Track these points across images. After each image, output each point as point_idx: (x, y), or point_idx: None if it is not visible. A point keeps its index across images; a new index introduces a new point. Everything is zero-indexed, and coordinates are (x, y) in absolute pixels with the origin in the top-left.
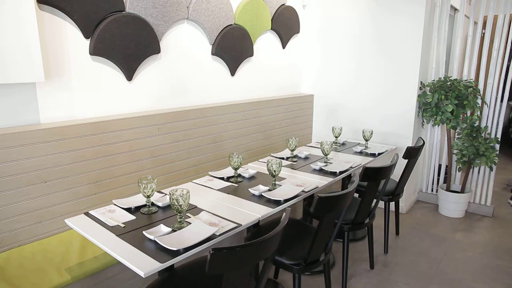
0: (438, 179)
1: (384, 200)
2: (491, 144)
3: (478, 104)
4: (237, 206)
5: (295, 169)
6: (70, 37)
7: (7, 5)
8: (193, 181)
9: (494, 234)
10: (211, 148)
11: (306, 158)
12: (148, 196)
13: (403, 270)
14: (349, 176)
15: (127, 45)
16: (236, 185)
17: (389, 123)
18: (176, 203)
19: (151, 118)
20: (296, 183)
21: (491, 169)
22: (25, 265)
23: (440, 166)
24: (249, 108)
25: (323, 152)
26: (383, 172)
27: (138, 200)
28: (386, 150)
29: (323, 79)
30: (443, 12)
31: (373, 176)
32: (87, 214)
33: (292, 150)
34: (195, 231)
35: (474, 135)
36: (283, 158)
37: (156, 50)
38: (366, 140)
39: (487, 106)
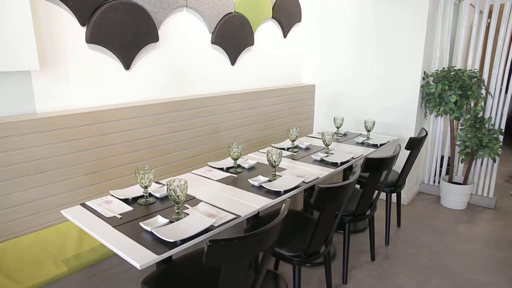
0: (440, 171)
1: (386, 192)
2: (495, 135)
3: (482, 94)
4: (237, 197)
5: (295, 160)
6: (66, 24)
7: None
8: (192, 171)
9: (496, 226)
10: (210, 139)
11: (307, 148)
12: (146, 187)
13: (404, 262)
14: (351, 167)
15: (125, 33)
16: (236, 175)
17: (392, 113)
18: (173, 194)
19: (149, 107)
20: (296, 174)
21: (494, 160)
22: (22, 257)
23: (442, 157)
24: (250, 98)
25: (324, 143)
26: (385, 163)
27: (135, 190)
28: (388, 141)
29: (325, 69)
30: (448, 0)
31: (375, 167)
32: (83, 205)
33: (293, 141)
34: (193, 222)
35: (478, 126)
36: (283, 149)
37: (155, 38)
38: (368, 131)
39: (491, 96)
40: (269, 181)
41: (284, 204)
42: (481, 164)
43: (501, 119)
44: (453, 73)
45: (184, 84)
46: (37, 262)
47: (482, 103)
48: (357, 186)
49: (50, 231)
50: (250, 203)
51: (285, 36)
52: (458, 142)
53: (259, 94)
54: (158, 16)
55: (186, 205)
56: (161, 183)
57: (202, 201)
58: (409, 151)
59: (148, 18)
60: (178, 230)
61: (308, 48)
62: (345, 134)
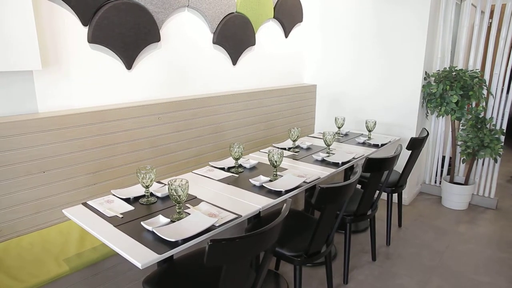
0: (441, 171)
1: (387, 192)
2: (496, 136)
3: (484, 95)
4: (238, 196)
5: (297, 160)
6: (68, 24)
7: None
8: (193, 171)
9: (498, 226)
10: (212, 138)
11: (308, 148)
12: (147, 186)
13: (405, 262)
14: (352, 167)
15: (126, 33)
16: (237, 175)
17: (393, 113)
18: (174, 194)
19: (151, 107)
20: (297, 174)
21: (495, 161)
22: (24, 256)
23: (443, 157)
24: (251, 98)
25: (325, 143)
26: (386, 163)
27: (137, 190)
28: (390, 141)
29: (327, 69)
30: (449, 0)
31: (376, 167)
32: (85, 204)
33: (294, 141)
34: (194, 222)
35: (479, 126)
36: (284, 149)
37: (156, 38)
38: (369, 131)
39: (493, 97)
40: (270, 181)
41: (285, 204)
42: (483, 164)
43: (502, 119)
44: (454, 73)
45: (186, 84)
46: (38, 261)
47: (484, 103)
48: (358, 186)
49: (51, 230)
50: (251, 203)
51: (286, 36)
52: (459, 142)
53: (261, 94)
54: (160, 16)
55: (187, 204)
56: (162, 183)
57: (203, 200)
58: (410, 151)
59: (149, 18)
60: (179, 229)
61: (309, 48)
62: (346, 134)
